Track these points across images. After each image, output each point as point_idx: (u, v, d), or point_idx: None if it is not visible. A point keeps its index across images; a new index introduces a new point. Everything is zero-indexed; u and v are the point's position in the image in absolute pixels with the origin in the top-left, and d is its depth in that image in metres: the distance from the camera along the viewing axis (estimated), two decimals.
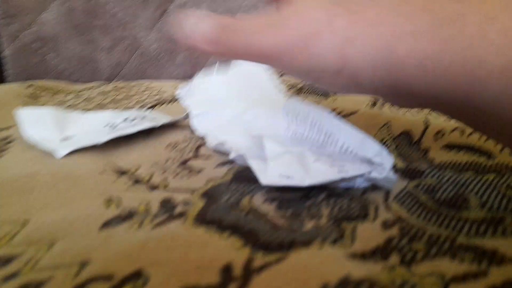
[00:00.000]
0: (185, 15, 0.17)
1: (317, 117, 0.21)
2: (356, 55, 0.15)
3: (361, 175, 0.18)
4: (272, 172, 0.18)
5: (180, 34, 0.17)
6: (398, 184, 0.19)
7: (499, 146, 0.24)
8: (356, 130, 0.19)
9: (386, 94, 0.16)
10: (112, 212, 0.16)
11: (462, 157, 0.23)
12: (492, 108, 0.13)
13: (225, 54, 0.18)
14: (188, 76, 0.52)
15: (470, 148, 0.24)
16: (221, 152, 0.22)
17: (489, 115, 0.13)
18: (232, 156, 0.21)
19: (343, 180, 0.18)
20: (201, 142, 0.24)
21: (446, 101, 0.14)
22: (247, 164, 0.19)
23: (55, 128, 0.24)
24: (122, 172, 0.20)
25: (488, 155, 0.23)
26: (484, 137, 0.26)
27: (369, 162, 0.18)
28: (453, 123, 0.29)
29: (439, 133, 0.26)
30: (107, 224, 0.15)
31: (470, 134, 0.26)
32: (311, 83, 0.21)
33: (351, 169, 0.18)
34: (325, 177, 0.17)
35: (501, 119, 0.13)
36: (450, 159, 0.22)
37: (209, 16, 0.17)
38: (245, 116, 0.25)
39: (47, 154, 0.22)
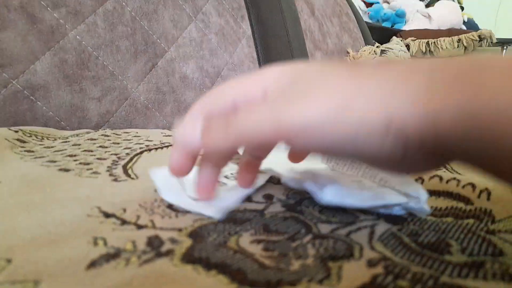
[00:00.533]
0: (187, 121, 0.20)
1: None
2: (401, 108, 0.15)
3: (400, 204, 0.20)
4: (329, 193, 0.20)
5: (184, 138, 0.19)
6: (381, 226, 0.19)
7: (476, 193, 0.25)
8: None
9: (427, 152, 0.16)
10: (99, 251, 0.15)
11: (442, 203, 0.24)
12: None
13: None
14: (174, 126, 0.54)
15: (449, 194, 0.25)
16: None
17: None
18: (283, 180, 0.23)
19: (385, 206, 0.20)
20: None
21: (477, 152, 0.15)
22: (301, 187, 0.22)
23: (180, 187, 0.22)
24: (109, 215, 0.20)
25: (467, 200, 0.24)
26: (462, 184, 0.27)
27: (406, 194, 0.20)
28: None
29: (418, 181, 0.27)
30: (94, 263, 0.15)
31: (448, 181, 0.27)
32: (353, 160, 0.21)
33: (393, 198, 0.20)
34: (374, 202, 0.20)
35: None
36: (431, 204, 0.23)
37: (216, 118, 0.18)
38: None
39: (32, 201, 0.21)
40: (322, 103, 0.16)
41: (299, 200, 0.24)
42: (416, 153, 0.17)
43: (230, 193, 0.23)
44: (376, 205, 0.20)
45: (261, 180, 0.25)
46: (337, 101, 0.16)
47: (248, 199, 0.23)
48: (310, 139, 0.16)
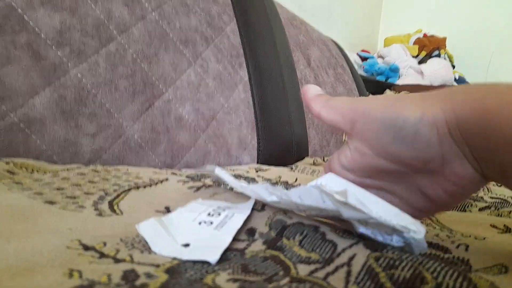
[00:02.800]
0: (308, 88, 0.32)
1: (351, 189, 0.23)
2: (434, 109, 0.22)
3: (400, 233, 0.21)
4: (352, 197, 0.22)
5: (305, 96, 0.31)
6: (359, 257, 0.20)
7: (455, 244, 0.26)
8: (390, 205, 0.22)
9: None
10: (74, 282, 0.15)
11: None
12: None
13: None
14: (166, 166, 0.54)
15: (428, 244, 0.25)
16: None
17: None
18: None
19: (384, 233, 0.22)
20: None
21: (487, 139, 0.20)
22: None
23: (170, 236, 0.22)
24: (88, 247, 0.20)
25: (445, 250, 0.24)
26: (440, 237, 0.28)
27: (405, 228, 0.21)
28: None
29: None
30: None
31: (428, 232, 0.28)
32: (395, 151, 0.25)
33: (402, 221, 0.21)
34: (386, 218, 0.21)
35: None
36: None
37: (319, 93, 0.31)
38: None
39: (12, 231, 0.21)
40: (380, 101, 0.25)
41: (281, 229, 0.24)
42: (450, 151, 0.22)
43: (220, 233, 0.23)
44: (387, 222, 0.21)
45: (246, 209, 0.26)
46: (387, 102, 0.24)
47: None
48: (368, 125, 0.24)
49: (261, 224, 0.25)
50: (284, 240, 0.22)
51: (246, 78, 0.75)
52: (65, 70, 0.44)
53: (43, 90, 0.42)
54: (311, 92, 0.31)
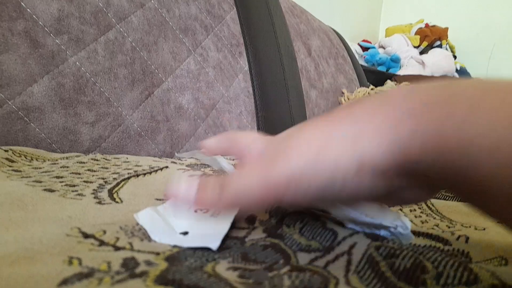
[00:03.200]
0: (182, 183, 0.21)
1: None
2: (369, 146, 0.16)
3: (387, 228, 0.21)
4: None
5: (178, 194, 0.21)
6: (359, 246, 0.20)
7: (455, 236, 0.26)
8: (374, 204, 0.22)
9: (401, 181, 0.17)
10: (73, 270, 0.15)
11: (421, 241, 0.24)
12: (488, 187, 0.14)
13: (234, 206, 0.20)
14: (166, 154, 0.54)
15: (428, 235, 0.25)
16: None
17: (487, 194, 0.14)
18: None
19: (373, 228, 0.22)
20: None
21: (448, 179, 0.15)
22: None
23: (167, 225, 0.22)
24: (88, 235, 0.20)
25: (445, 241, 0.24)
26: (441, 228, 0.28)
27: (392, 224, 0.21)
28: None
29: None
30: (66, 282, 0.14)
31: (424, 222, 0.28)
32: (332, 206, 0.22)
33: (387, 221, 0.21)
34: (371, 220, 0.21)
35: (498, 198, 0.14)
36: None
37: (206, 179, 0.20)
38: None
39: (12, 218, 0.21)
40: (301, 153, 0.17)
41: (280, 217, 0.24)
42: (401, 184, 0.17)
43: (218, 219, 0.23)
44: (373, 222, 0.21)
45: None
46: (314, 149, 0.17)
47: (232, 224, 0.23)
48: (297, 191, 0.18)
49: (261, 211, 0.25)
50: (284, 228, 0.22)
51: (246, 67, 0.74)
52: (63, 58, 0.44)
53: (42, 78, 0.42)
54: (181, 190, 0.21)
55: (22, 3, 0.41)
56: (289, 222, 0.23)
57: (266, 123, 0.74)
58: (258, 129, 0.72)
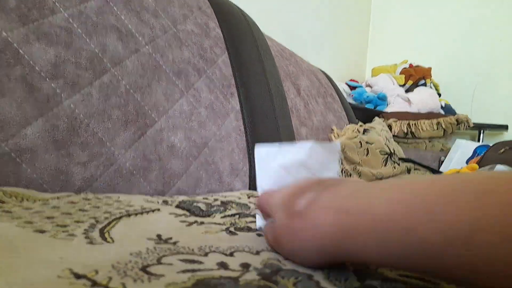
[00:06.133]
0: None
1: None
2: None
3: None
4: None
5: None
6: None
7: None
8: None
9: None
10: None
11: (412, 281, 0.24)
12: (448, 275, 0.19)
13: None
14: (158, 193, 0.54)
15: (420, 279, 0.25)
16: None
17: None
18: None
19: None
20: (164, 253, 0.25)
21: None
22: None
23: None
24: (80, 276, 0.20)
25: (437, 284, 0.24)
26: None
27: None
28: None
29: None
30: None
31: None
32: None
33: None
34: None
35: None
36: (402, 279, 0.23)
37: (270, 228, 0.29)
38: None
39: (3, 262, 0.21)
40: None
41: (275, 270, 0.24)
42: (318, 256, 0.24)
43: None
44: None
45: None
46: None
47: (224, 266, 0.24)
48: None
49: (255, 262, 0.25)
50: (279, 278, 0.22)
51: (238, 107, 0.76)
52: (58, 101, 0.45)
53: (36, 121, 0.43)
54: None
55: (20, 51, 0.43)
56: (283, 275, 0.23)
57: None
58: (250, 165, 0.73)
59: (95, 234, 0.28)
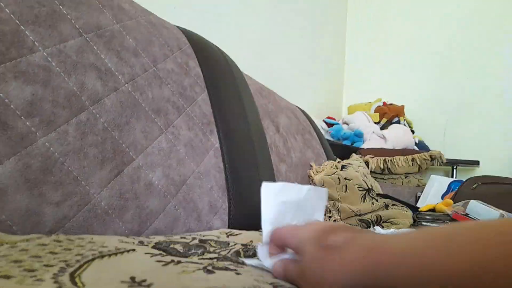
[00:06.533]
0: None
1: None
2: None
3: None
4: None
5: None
6: None
7: None
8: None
9: None
10: None
11: None
12: None
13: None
14: (133, 233, 0.52)
15: None
16: None
17: None
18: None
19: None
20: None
21: None
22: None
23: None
24: None
25: None
26: None
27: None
28: None
29: None
30: None
31: None
32: None
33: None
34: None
35: None
36: None
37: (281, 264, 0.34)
38: None
39: None
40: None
41: None
42: None
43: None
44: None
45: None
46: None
47: None
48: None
49: None
50: None
51: (217, 144, 0.77)
52: (32, 140, 0.44)
53: (8, 159, 0.41)
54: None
55: None
56: None
57: (237, 197, 0.74)
58: (229, 203, 0.72)
59: (65, 278, 0.27)
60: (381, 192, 1.25)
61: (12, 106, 0.43)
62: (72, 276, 0.27)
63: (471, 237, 0.22)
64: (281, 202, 0.39)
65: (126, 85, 0.59)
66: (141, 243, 0.41)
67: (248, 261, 0.38)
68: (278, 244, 0.37)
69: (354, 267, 0.26)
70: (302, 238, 0.32)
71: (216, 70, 0.88)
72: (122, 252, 0.35)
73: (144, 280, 0.28)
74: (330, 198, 1.08)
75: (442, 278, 0.22)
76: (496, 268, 0.20)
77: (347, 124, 2.10)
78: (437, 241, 0.24)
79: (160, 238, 0.45)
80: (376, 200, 1.14)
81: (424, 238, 0.25)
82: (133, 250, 0.37)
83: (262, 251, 0.38)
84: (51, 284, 0.25)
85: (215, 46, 0.98)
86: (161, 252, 0.38)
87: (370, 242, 0.27)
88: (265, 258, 0.37)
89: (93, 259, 0.32)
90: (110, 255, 0.33)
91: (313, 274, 0.29)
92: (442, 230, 0.25)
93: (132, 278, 0.28)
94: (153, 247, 0.40)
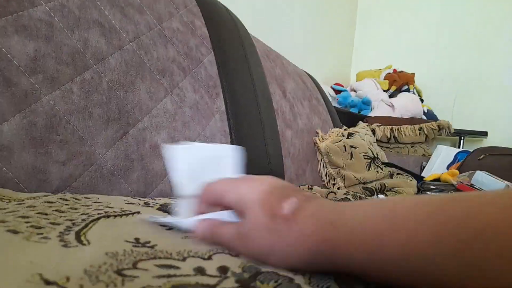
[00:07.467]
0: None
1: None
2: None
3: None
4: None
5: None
6: None
7: None
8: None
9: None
10: None
11: None
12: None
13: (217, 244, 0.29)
14: (139, 194, 0.53)
15: None
16: None
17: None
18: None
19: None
20: (141, 257, 0.24)
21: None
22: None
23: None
24: (50, 282, 0.19)
25: None
26: None
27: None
28: None
29: None
30: None
31: None
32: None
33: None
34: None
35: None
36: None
37: (204, 222, 0.30)
38: None
39: None
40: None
41: (254, 273, 0.23)
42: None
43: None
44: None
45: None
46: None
47: (201, 272, 0.23)
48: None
49: (234, 265, 0.24)
50: (258, 283, 0.22)
51: (223, 107, 0.76)
52: (36, 97, 0.43)
53: (13, 117, 0.41)
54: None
55: None
56: (263, 279, 0.23)
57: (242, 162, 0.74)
58: None
59: (71, 237, 0.27)
60: (387, 161, 1.25)
61: (15, 61, 0.42)
62: (78, 235, 0.27)
63: (431, 213, 0.20)
64: (191, 162, 0.36)
65: (130, 43, 0.57)
66: (146, 204, 0.42)
67: (152, 219, 0.34)
68: (211, 200, 0.31)
69: (307, 245, 0.24)
70: (245, 196, 0.28)
71: (223, 30, 0.86)
72: (127, 215, 0.35)
73: (148, 242, 0.28)
74: (335, 165, 1.08)
75: (400, 259, 0.20)
76: (449, 251, 0.19)
77: (355, 91, 2.06)
78: (396, 219, 0.22)
79: (166, 200, 0.45)
80: (381, 169, 1.14)
81: (382, 214, 0.23)
82: (138, 212, 0.37)
83: (183, 208, 0.34)
84: (57, 242, 0.25)
85: (223, 5, 0.94)
86: (166, 214, 0.38)
87: (322, 214, 0.25)
88: (185, 216, 0.33)
89: (98, 218, 0.32)
90: (115, 216, 0.33)
91: (258, 243, 0.26)
92: (399, 202, 0.23)
93: (137, 239, 0.28)
94: (158, 209, 0.40)
